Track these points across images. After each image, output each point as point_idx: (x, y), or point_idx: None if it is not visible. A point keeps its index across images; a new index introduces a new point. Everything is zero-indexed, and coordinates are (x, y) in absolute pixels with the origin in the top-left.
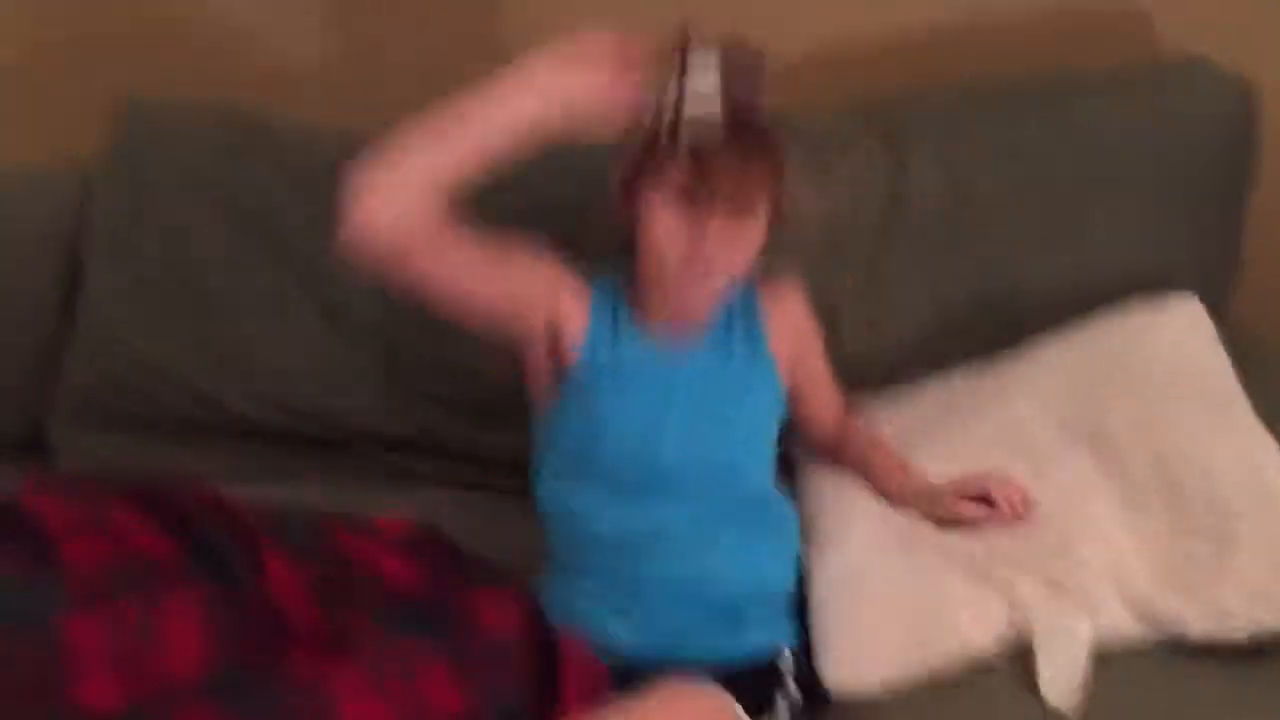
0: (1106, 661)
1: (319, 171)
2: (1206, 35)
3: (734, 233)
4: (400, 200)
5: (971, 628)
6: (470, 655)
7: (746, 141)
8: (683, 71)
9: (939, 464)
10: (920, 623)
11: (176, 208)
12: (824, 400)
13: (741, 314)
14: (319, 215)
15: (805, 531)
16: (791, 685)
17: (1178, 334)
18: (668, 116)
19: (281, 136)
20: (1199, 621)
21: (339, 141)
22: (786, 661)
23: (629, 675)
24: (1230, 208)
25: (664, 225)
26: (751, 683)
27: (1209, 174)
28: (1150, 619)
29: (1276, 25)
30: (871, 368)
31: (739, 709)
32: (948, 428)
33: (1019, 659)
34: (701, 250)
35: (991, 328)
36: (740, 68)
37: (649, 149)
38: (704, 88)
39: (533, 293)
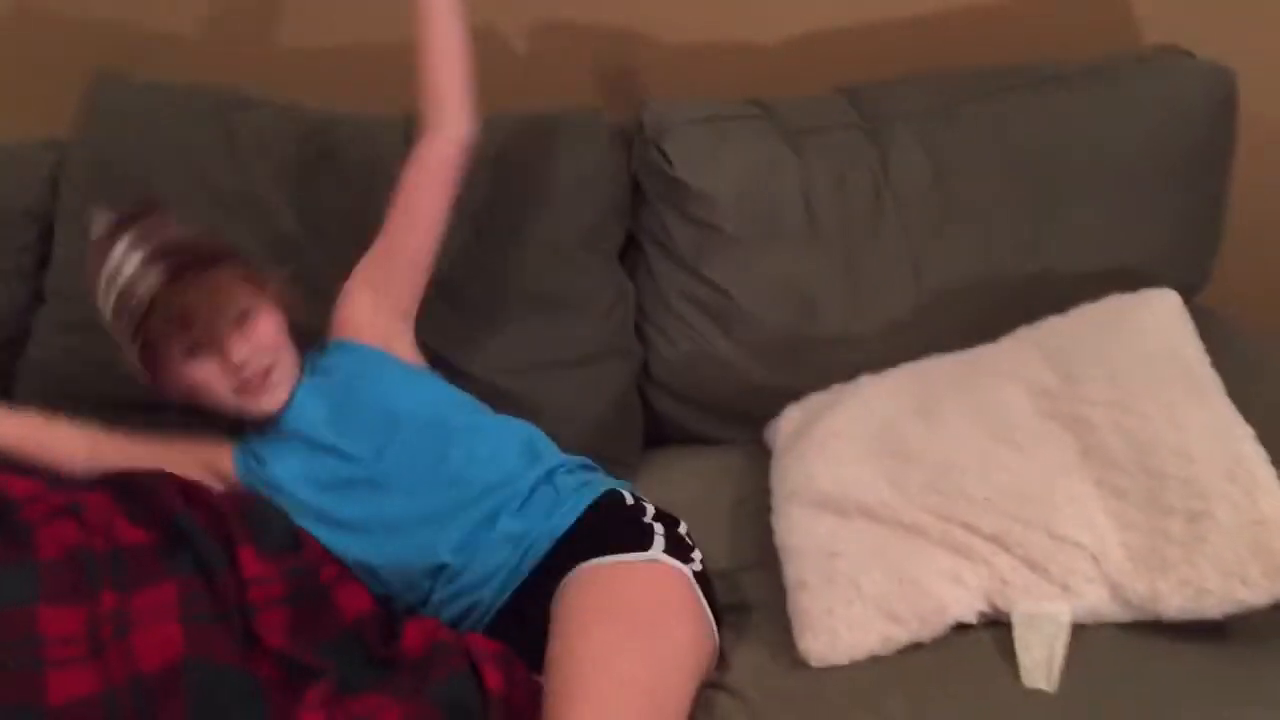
0: (1083, 639)
1: (293, 146)
2: (1186, 26)
3: (247, 338)
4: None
5: (951, 602)
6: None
7: (187, 283)
8: (105, 256)
9: (919, 445)
10: (901, 595)
11: (147, 182)
12: (399, 240)
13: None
14: (294, 189)
15: (777, 502)
16: (650, 512)
17: (1155, 322)
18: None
19: (255, 111)
20: (1176, 599)
21: (312, 116)
22: (626, 498)
23: (511, 615)
24: (1210, 197)
25: (197, 379)
26: (613, 530)
27: (1189, 164)
28: (1127, 599)
29: (1255, 16)
30: (852, 352)
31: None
32: (928, 411)
33: (999, 628)
34: (239, 371)
35: (973, 313)
36: (136, 228)
37: (138, 344)
38: (127, 267)
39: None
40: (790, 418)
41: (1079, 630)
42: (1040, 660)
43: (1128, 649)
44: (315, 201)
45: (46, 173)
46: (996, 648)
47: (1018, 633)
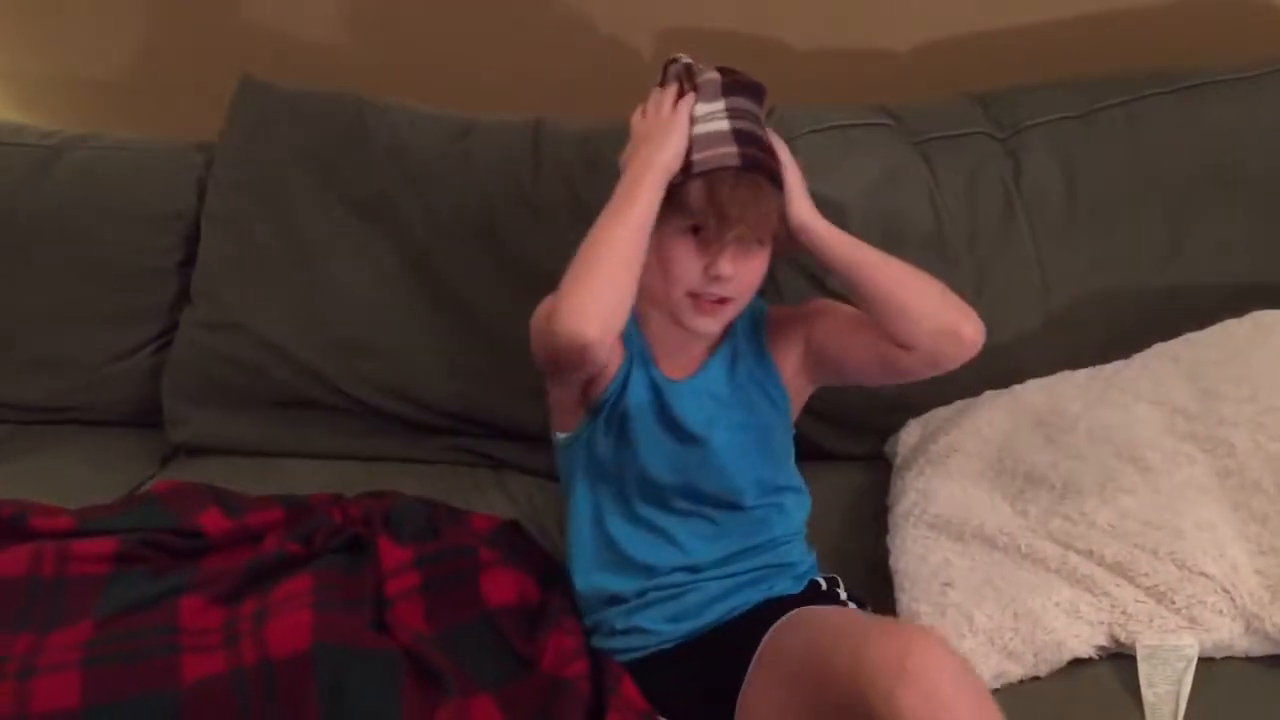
0: (1211, 673)
1: (431, 156)
2: None
3: (743, 261)
4: (612, 323)
5: (1069, 637)
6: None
7: (757, 174)
8: (694, 105)
9: (1043, 466)
10: (1015, 630)
11: (289, 188)
12: (857, 339)
13: (745, 335)
14: (430, 200)
15: (894, 521)
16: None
17: None
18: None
19: (394, 121)
20: None
21: (450, 127)
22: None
23: (685, 654)
24: None
25: (677, 253)
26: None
27: None
28: (1262, 629)
29: None
30: (981, 365)
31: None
32: (1054, 430)
33: (1121, 661)
34: (712, 278)
35: (1105, 327)
36: (745, 100)
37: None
38: (712, 123)
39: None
40: (911, 432)
41: (1207, 664)
42: (1165, 696)
43: (1258, 683)
44: (446, 206)
45: (194, 176)
46: (1119, 683)
47: (1142, 668)
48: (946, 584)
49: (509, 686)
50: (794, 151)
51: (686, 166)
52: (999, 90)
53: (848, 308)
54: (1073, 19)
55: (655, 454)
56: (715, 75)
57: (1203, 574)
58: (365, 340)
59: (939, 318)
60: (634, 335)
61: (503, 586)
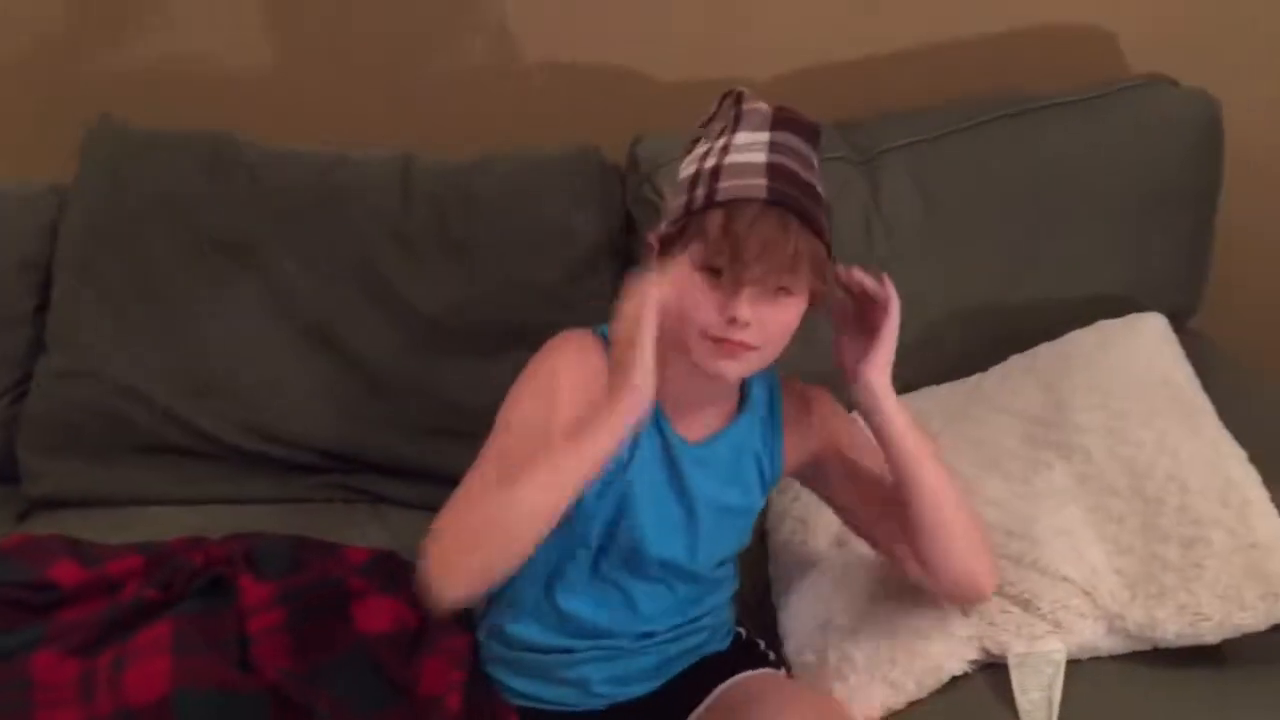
0: (1081, 675)
1: (296, 192)
2: (1171, 56)
3: (766, 308)
4: (489, 583)
5: (945, 658)
6: None
7: (786, 212)
8: (733, 130)
9: None
10: (893, 661)
11: (147, 228)
12: (864, 494)
13: (761, 406)
14: (297, 236)
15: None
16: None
17: (1145, 346)
18: (708, 175)
19: (256, 158)
20: (1173, 626)
21: (315, 162)
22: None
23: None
24: (1198, 223)
25: (694, 290)
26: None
27: (1176, 190)
28: (1125, 628)
29: (1238, 45)
30: (842, 386)
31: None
32: None
33: (996, 670)
34: (729, 320)
35: (964, 343)
36: (795, 138)
37: (686, 212)
38: (749, 154)
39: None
40: None
41: (1076, 666)
42: (1039, 702)
43: (1126, 681)
44: (314, 242)
45: (47, 220)
46: (995, 693)
47: (1014, 676)
48: (825, 622)
49: (384, 713)
50: (662, 179)
51: (710, 194)
52: (857, 117)
53: (871, 444)
54: (924, 48)
55: (660, 527)
56: (764, 106)
57: (1064, 578)
58: (229, 381)
59: (970, 562)
60: None
61: (376, 614)
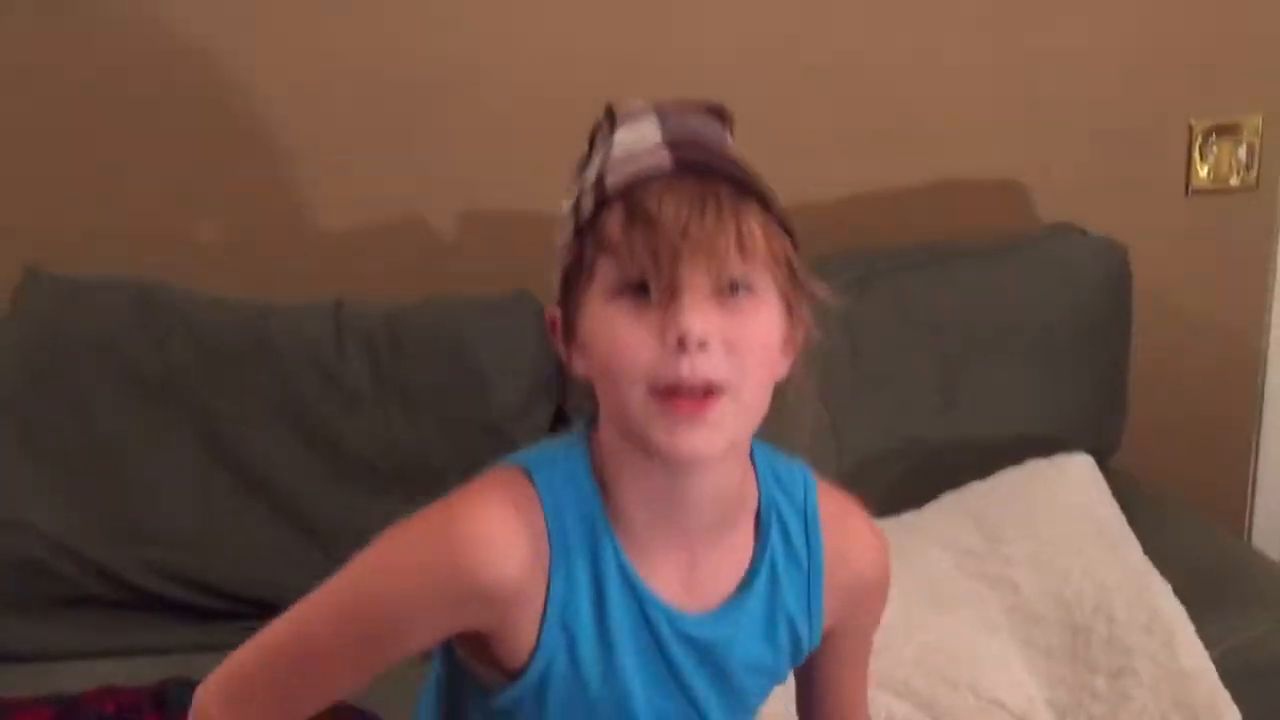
0: None
1: (228, 338)
2: (1079, 206)
3: (722, 318)
4: None
5: None
6: None
7: (709, 179)
8: (610, 134)
9: None
10: None
11: (78, 377)
12: (848, 681)
13: (790, 553)
14: (228, 382)
15: None
16: None
17: (1072, 484)
18: (591, 186)
19: (188, 305)
20: None
21: (248, 310)
22: None
23: None
24: (1114, 364)
25: (618, 328)
26: None
27: (1090, 332)
28: None
29: (1142, 195)
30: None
31: None
32: None
33: None
34: (677, 345)
35: (895, 480)
36: (690, 117)
37: (576, 234)
38: (637, 142)
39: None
40: None
41: None
42: None
43: None
44: (247, 391)
45: None
46: None
47: None
48: None
49: None
50: None
51: (599, 194)
52: None
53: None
54: (848, 197)
55: None
56: (642, 100)
57: (1000, 704)
58: (158, 527)
59: None
60: (600, 532)
61: None
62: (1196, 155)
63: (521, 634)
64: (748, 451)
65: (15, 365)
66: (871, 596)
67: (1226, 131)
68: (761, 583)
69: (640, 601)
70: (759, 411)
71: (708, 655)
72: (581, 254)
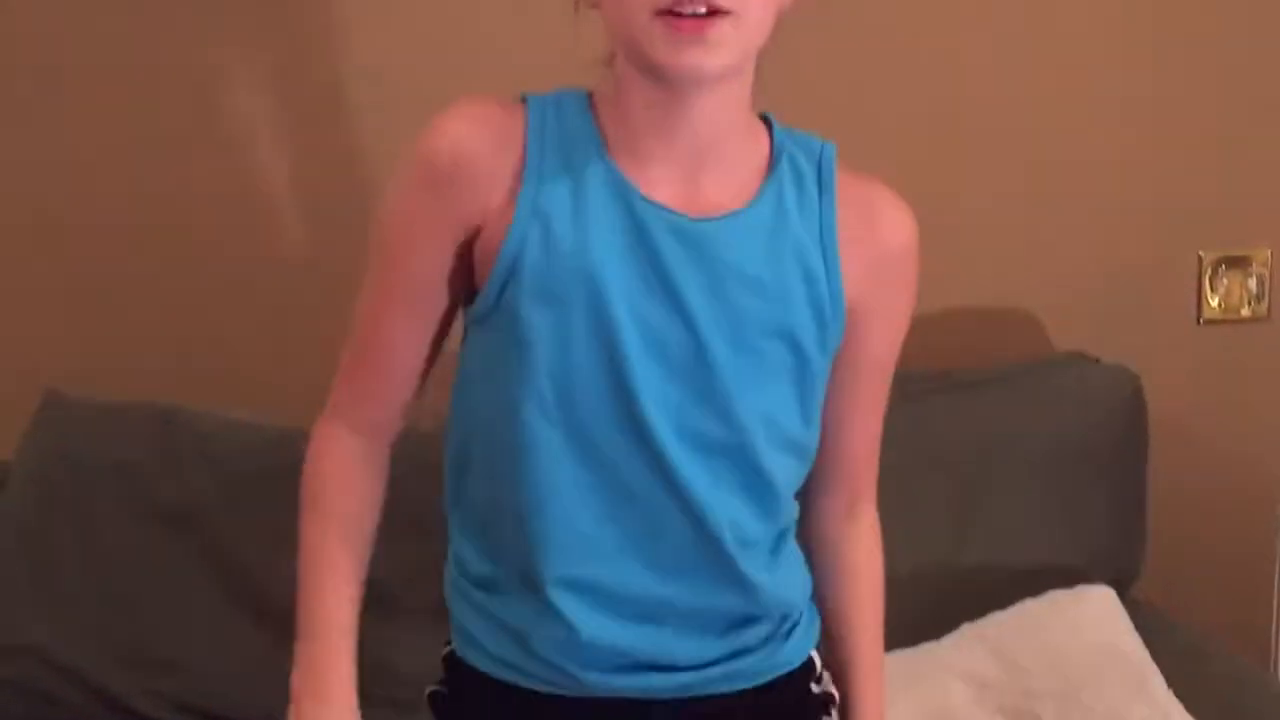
0: None
1: (244, 465)
2: (1091, 335)
3: None
4: None
5: None
6: None
7: None
8: None
9: None
10: None
11: (94, 502)
12: (858, 424)
13: (801, 185)
14: (244, 509)
15: None
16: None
17: (1094, 616)
18: None
19: (205, 429)
20: None
21: (266, 435)
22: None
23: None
24: (1131, 494)
25: None
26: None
27: (1105, 462)
28: None
29: (1153, 324)
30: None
31: None
32: None
33: None
34: None
35: (914, 609)
36: None
37: None
38: None
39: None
40: None
41: None
42: None
43: None
44: (264, 519)
45: None
46: None
47: None
48: None
49: None
50: None
51: None
52: None
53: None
54: None
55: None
56: None
57: None
58: (168, 657)
59: None
60: (587, 141)
61: None
62: (1207, 286)
63: (498, 225)
64: (748, 81)
65: (31, 488)
66: (894, 268)
67: (1236, 263)
68: (766, 205)
69: (627, 198)
70: (761, 34)
71: (698, 254)
72: None
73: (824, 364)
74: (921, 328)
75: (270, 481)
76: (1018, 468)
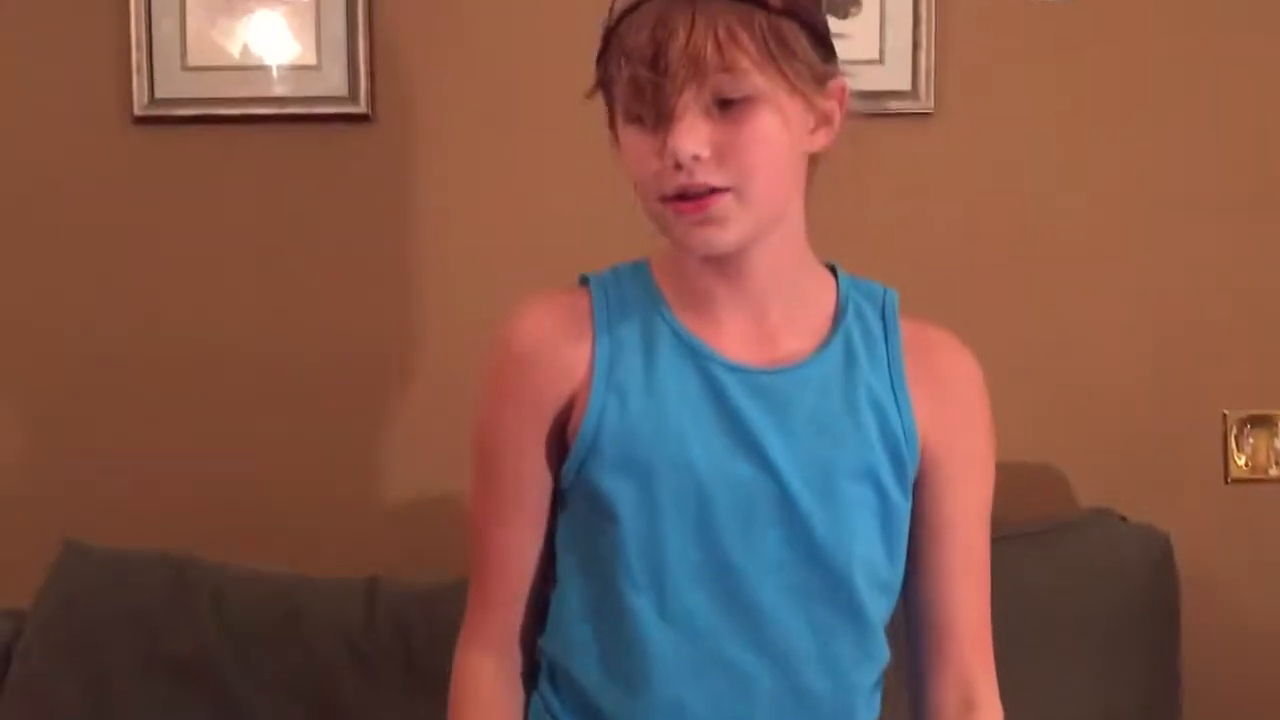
0: None
1: (254, 614)
2: (1118, 491)
3: (713, 128)
4: None
5: None
6: None
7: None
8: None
9: None
10: None
11: (105, 653)
12: (958, 562)
13: (868, 334)
14: (254, 658)
15: None
16: None
17: None
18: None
19: (218, 579)
20: None
21: (278, 584)
22: None
23: None
24: (1164, 657)
25: (630, 148)
26: None
27: (1136, 624)
28: None
29: (1182, 481)
30: None
31: None
32: None
33: None
34: (671, 164)
35: None
36: None
37: (599, 68)
38: None
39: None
40: None
41: None
42: None
43: None
44: (274, 668)
45: (1, 644)
46: None
47: None
48: None
49: None
50: None
51: (606, 34)
52: None
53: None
54: None
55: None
56: None
57: None
58: None
59: None
60: (652, 305)
61: None
62: (1233, 445)
63: (578, 406)
64: (795, 223)
65: (44, 638)
66: (962, 408)
67: (1262, 422)
68: (837, 348)
69: (698, 357)
70: (774, 198)
71: (775, 405)
72: (604, 85)
73: (905, 503)
74: None
75: (281, 633)
76: (1047, 629)
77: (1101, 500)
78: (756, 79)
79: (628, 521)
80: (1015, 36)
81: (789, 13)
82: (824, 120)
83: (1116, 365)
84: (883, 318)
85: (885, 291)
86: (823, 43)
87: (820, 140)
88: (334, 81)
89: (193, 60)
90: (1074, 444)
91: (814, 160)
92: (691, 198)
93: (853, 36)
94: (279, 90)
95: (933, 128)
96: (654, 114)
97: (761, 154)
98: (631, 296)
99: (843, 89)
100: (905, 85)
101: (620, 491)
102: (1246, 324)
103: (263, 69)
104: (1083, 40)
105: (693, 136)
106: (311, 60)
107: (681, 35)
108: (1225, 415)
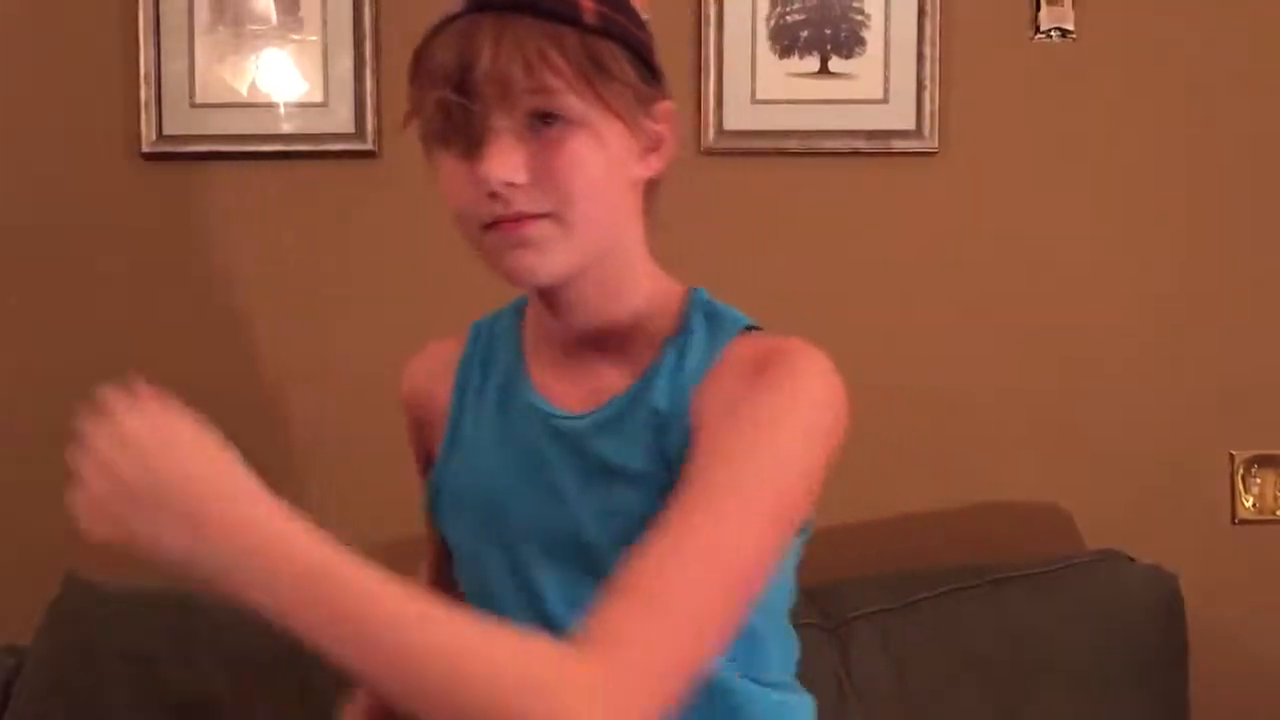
0: None
1: (257, 650)
2: (1122, 530)
3: (528, 151)
4: None
5: None
6: None
7: (502, 15)
8: None
9: None
10: None
11: (104, 691)
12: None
13: (681, 366)
14: (256, 695)
15: None
16: None
17: None
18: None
19: (221, 617)
20: None
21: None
22: None
23: None
24: (1172, 700)
25: (445, 179)
26: None
27: (1144, 665)
28: None
29: (1190, 522)
30: None
31: None
32: None
33: None
34: (486, 192)
35: None
36: None
37: (412, 100)
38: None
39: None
40: None
41: None
42: None
43: None
44: (275, 705)
45: (2, 679)
46: None
47: None
48: None
49: None
50: None
51: (413, 58)
52: (825, 583)
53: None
54: (893, 517)
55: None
56: None
57: None
58: None
59: None
60: (508, 346)
61: None
62: (1240, 485)
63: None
64: (623, 264)
65: (45, 675)
66: (733, 373)
67: (1269, 463)
68: (643, 383)
69: (521, 402)
70: (601, 227)
71: (572, 450)
72: (418, 110)
73: None
74: (952, 521)
75: (282, 670)
76: (1053, 670)
77: (1108, 541)
78: (570, 101)
79: (463, 562)
80: (1019, 75)
81: (605, 32)
82: (653, 145)
83: (1123, 405)
84: (709, 350)
85: (737, 321)
86: (645, 63)
87: (653, 165)
88: (341, 118)
89: (201, 97)
90: (1081, 484)
91: (652, 187)
92: (508, 221)
93: (858, 76)
94: (286, 127)
95: (937, 166)
96: (464, 140)
97: (579, 179)
98: (500, 338)
99: (669, 111)
100: (910, 124)
101: (452, 533)
102: (1252, 365)
103: (270, 106)
104: (1086, 79)
105: (504, 162)
106: (319, 97)
107: (487, 56)
108: (1232, 455)
